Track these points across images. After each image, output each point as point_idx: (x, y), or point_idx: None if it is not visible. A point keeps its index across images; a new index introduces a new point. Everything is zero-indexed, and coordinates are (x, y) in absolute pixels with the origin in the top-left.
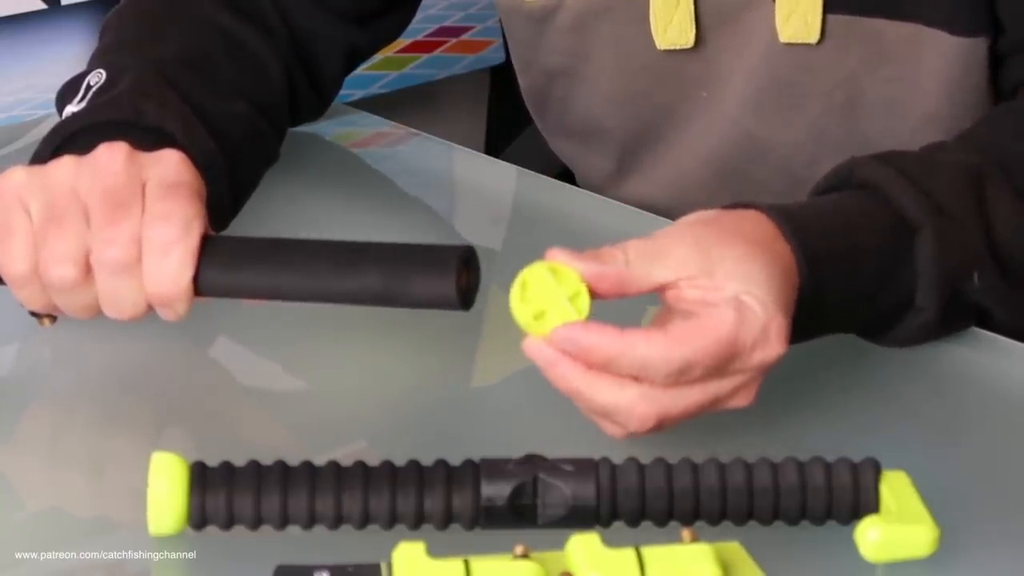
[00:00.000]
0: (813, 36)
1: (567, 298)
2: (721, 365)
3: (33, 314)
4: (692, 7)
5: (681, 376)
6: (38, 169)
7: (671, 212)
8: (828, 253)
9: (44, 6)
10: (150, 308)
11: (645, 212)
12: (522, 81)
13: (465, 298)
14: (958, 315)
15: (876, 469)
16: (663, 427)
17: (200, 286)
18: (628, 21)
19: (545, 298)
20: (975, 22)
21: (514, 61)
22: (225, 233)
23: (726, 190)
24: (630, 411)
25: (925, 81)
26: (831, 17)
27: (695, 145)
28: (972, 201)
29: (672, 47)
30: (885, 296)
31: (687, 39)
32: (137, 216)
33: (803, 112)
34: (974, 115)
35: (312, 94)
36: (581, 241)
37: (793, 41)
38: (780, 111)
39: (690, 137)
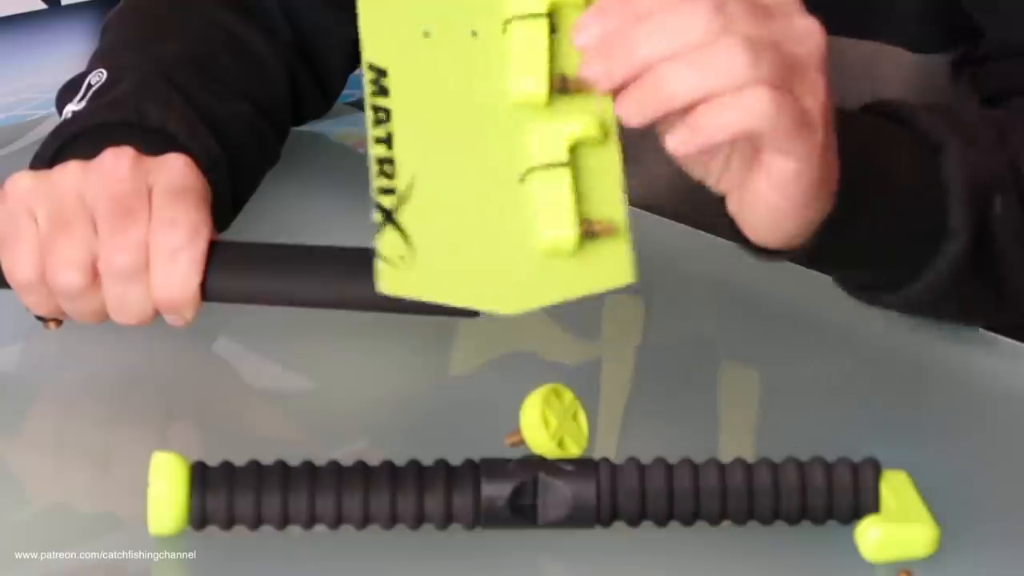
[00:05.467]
0: None
1: (571, 417)
2: None
3: (39, 318)
4: None
5: None
6: (44, 174)
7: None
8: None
9: (44, 6)
10: (157, 313)
11: (648, 213)
12: None
13: None
14: (985, 260)
15: (876, 469)
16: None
17: (207, 292)
18: None
19: (556, 419)
20: (934, 38)
21: None
22: (231, 237)
23: (701, 194)
24: None
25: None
26: None
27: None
28: (994, 135)
29: None
30: (915, 215)
31: None
32: (144, 222)
33: None
34: None
35: (316, 91)
36: None
37: None
38: None
39: (653, 150)
